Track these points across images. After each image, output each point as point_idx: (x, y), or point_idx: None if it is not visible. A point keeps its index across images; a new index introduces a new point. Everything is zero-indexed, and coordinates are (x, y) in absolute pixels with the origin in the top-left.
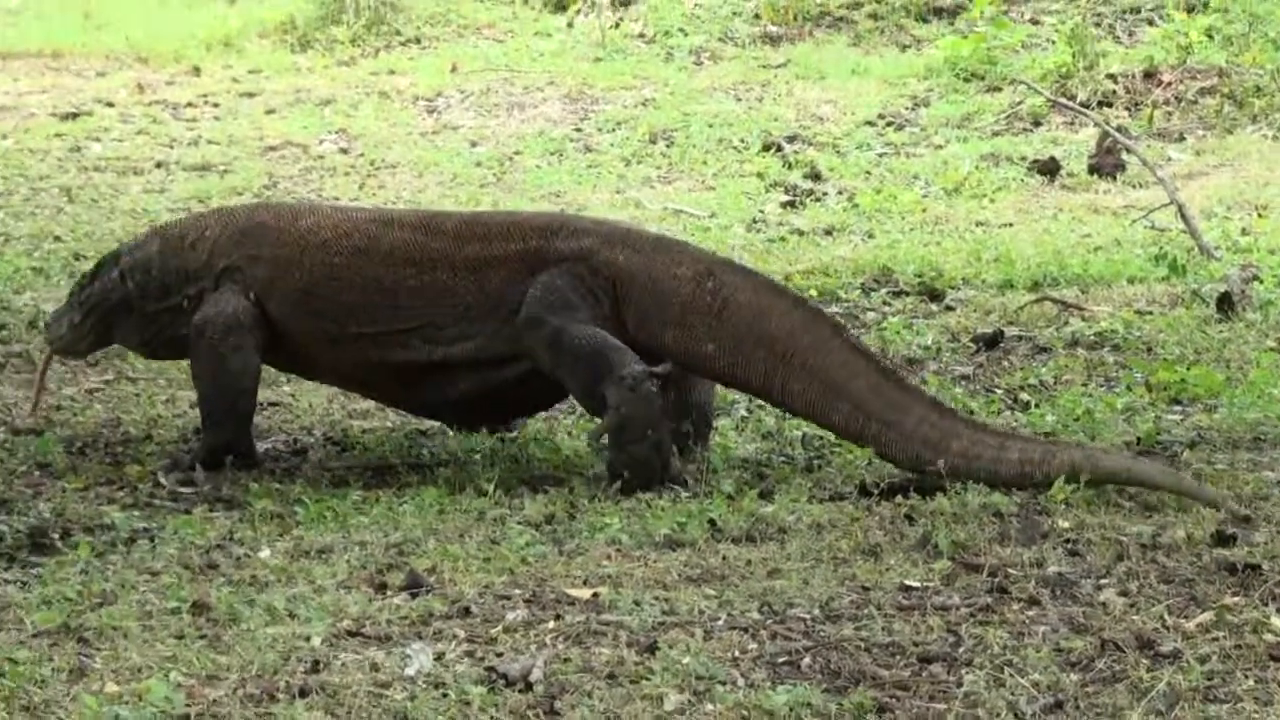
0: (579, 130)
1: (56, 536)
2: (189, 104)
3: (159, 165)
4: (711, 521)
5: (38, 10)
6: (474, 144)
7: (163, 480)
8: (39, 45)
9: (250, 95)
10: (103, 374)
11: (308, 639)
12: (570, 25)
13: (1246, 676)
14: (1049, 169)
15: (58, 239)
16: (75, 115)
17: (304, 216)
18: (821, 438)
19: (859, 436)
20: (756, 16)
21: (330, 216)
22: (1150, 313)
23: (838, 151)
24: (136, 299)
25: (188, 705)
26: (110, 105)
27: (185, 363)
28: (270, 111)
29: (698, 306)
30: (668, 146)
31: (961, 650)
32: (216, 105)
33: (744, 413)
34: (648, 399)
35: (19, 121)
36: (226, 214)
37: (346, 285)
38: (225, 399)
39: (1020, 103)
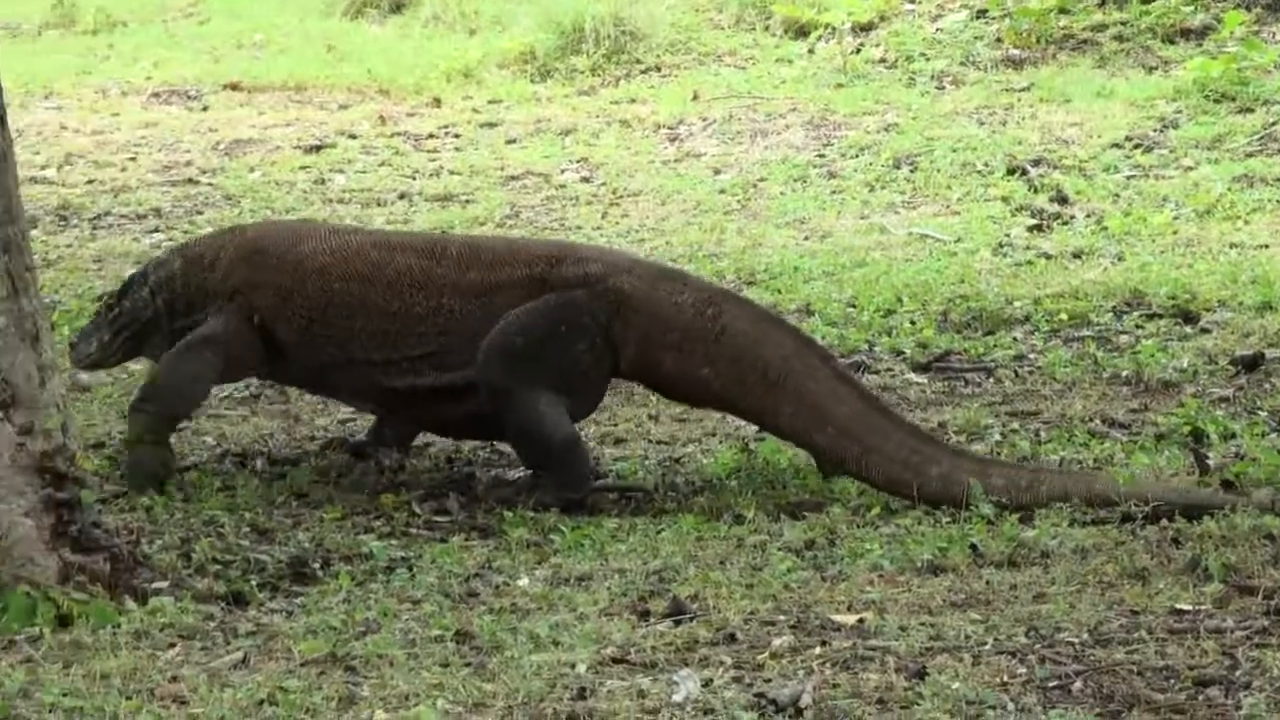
0: (822, 156)
1: (317, 566)
2: (430, 135)
3: (402, 196)
4: (973, 546)
5: (282, 45)
6: (717, 171)
7: (417, 510)
8: (283, 79)
9: (491, 125)
10: None
11: (573, 666)
12: (811, 51)
13: None
14: None
15: None
16: (319, 148)
17: (305, 241)
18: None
19: (841, 460)
20: (999, 40)
21: (328, 241)
22: None
23: (1084, 174)
24: (165, 316)
25: None
26: (353, 137)
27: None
28: (511, 141)
29: (698, 332)
30: (911, 171)
31: (1239, 673)
32: (457, 136)
33: (998, 436)
34: (582, 482)
35: (265, 154)
36: (239, 235)
37: (352, 311)
38: (169, 391)
39: (1275, 124)
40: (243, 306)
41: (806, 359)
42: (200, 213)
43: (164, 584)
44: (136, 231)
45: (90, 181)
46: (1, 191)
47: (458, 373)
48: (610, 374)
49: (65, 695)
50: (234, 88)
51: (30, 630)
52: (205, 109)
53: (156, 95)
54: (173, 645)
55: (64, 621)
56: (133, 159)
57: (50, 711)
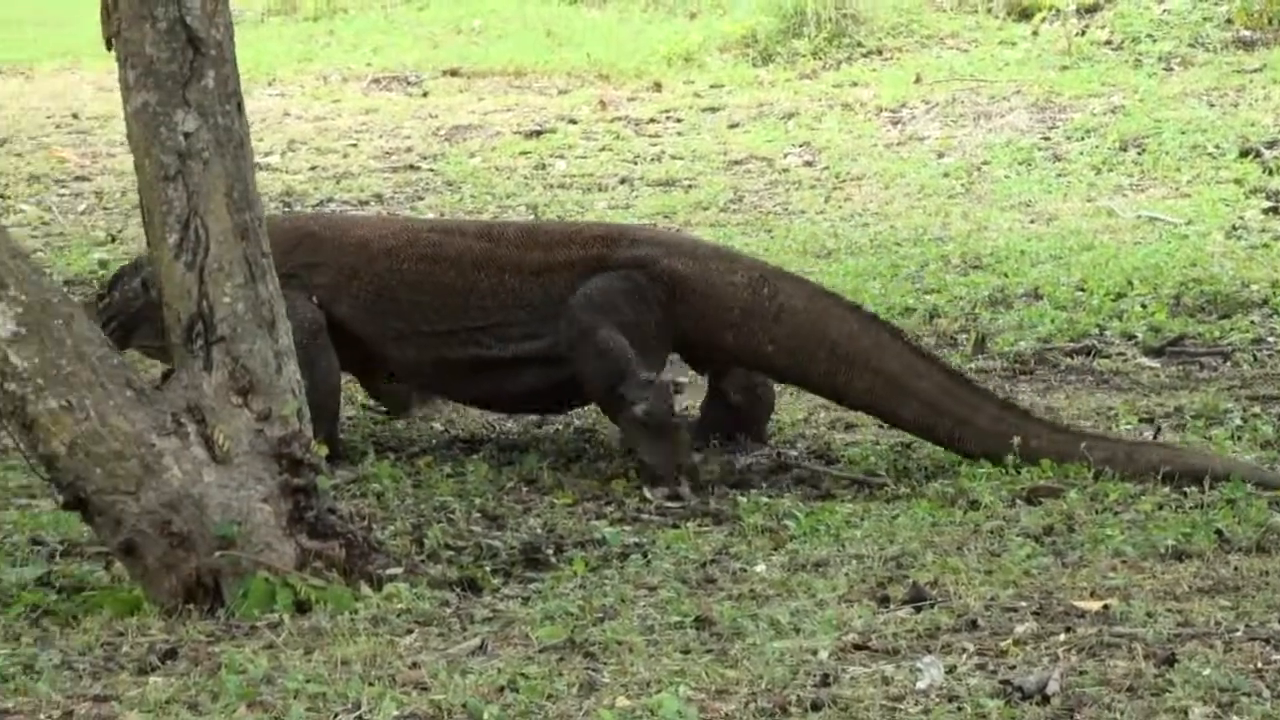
0: (1047, 139)
1: (550, 552)
2: (651, 120)
3: (623, 181)
4: (1219, 532)
5: (500, 30)
6: (940, 155)
7: (648, 495)
8: (502, 64)
9: (712, 110)
10: None
11: (814, 653)
12: (1035, 33)
13: None
14: None
15: None
16: (539, 133)
17: (356, 227)
18: None
19: (930, 432)
20: (1229, 21)
21: (380, 226)
22: None
23: None
24: (158, 306)
25: (701, 719)
26: (573, 122)
27: None
28: (733, 126)
29: (756, 310)
30: (1139, 154)
31: None
32: (679, 120)
33: (1238, 421)
34: (666, 397)
35: (485, 140)
36: (276, 221)
37: (417, 288)
38: (316, 398)
39: None
40: (301, 287)
41: (876, 335)
42: (421, 198)
43: (398, 570)
44: None
45: (313, 168)
46: (238, 178)
47: (517, 345)
48: (669, 350)
49: (308, 681)
50: (453, 73)
51: (270, 616)
52: (425, 95)
53: (377, 81)
54: (410, 631)
55: (302, 607)
56: (354, 145)
57: (294, 697)
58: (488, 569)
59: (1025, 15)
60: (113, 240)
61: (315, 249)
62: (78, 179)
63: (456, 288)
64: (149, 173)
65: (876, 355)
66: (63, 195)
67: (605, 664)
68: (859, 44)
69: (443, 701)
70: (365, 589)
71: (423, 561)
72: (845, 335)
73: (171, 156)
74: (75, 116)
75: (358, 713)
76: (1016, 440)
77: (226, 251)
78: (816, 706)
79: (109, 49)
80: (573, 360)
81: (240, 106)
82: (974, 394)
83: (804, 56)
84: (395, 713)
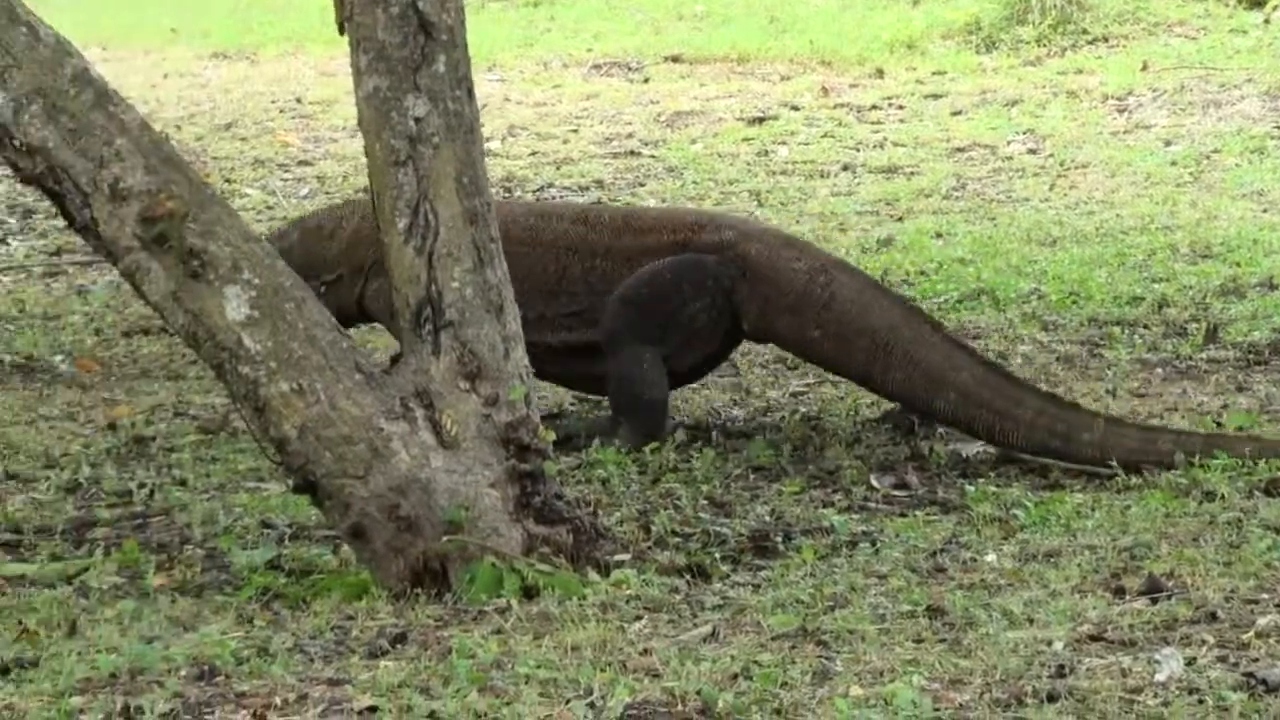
0: None
1: (778, 540)
2: (873, 106)
3: (845, 168)
4: None
5: (723, 15)
6: (1168, 143)
7: (875, 484)
8: (724, 50)
9: (935, 97)
10: (803, 377)
11: (1049, 643)
12: (1267, 21)
13: None
14: None
15: None
16: (761, 119)
17: None
18: None
19: (969, 424)
20: None
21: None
22: None
23: None
24: None
25: (936, 709)
26: (795, 109)
27: None
28: (956, 113)
29: (810, 297)
30: None
31: None
32: (901, 107)
33: None
34: (655, 428)
35: (707, 126)
36: (364, 207)
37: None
38: None
39: None
40: None
41: (916, 327)
42: (642, 184)
43: (626, 556)
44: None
45: (533, 153)
46: (468, 164)
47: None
48: (728, 333)
49: (539, 667)
50: (675, 59)
51: (497, 601)
52: (646, 81)
53: (597, 67)
54: (639, 617)
55: (529, 593)
56: (574, 131)
57: (525, 683)
58: (716, 556)
59: (1257, 3)
60: None
61: None
62: (301, 163)
63: (550, 272)
64: (379, 157)
65: (915, 346)
66: (286, 180)
67: (838, 652)
68: (1084, 31)
69: (675, 688)
70: (592, 575)
71: (649, 548)
72: (886, 325)
73: (402, 141)
74: (298, 101)
75: (589, 699)
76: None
77: (455, 236)
78: (1053, 698)
79: (341, 33)
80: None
81: (470, 92)
82: (1015, 387)
83: (1028, 43)
84: (627, 699)
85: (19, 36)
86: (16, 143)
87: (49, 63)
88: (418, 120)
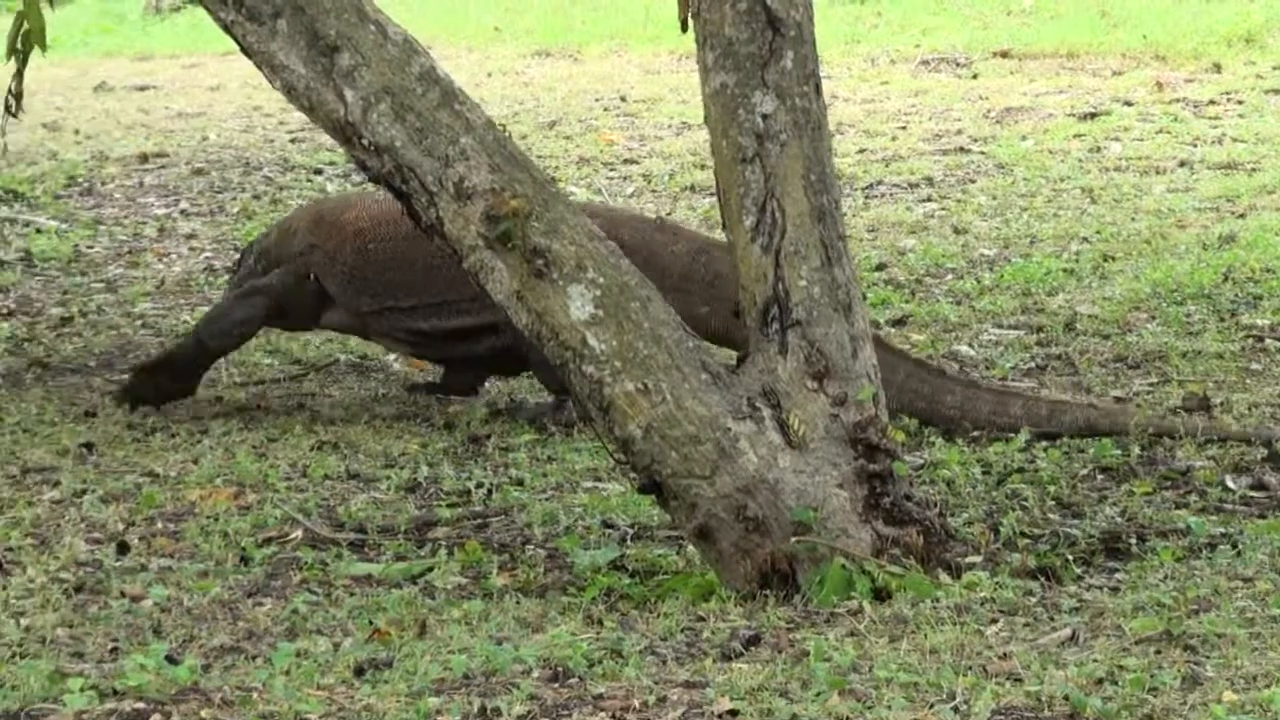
0: None
1: (1131, 541)
2: (1210, 101)
3: (1182, 164)
4: None
5: (1053, 10)
6: None
7: (1230, 484)
8: (1054, 46)
9: (1276, 92)
10: (1146, 376)
11: None
12: None
13: None
14: None
15: (1084, 240)
16: (1093, 115)
17: (347, 209)
18: None
19: None
20: None
21: (372, 209)
22: None
23: None
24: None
25: None
26: (1128, 104)
27: None
28: None
29: (693, 277)
30: None
31: None
32: (1240, 102)
33: None
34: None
35: (1037, 122)
36: (312, 206)
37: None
38: (214, 327)
39: None
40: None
41: None
42: (973, 181)
43: (977, 558)
44: (909, 201)
45: (861, 151)
46: (816, 161)
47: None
48: None
49: (899, 670)
50: (1003, 55)
51: (848, 603)
52: (975, 76)
53: (926, 63)
54: (994, 620)
55: (880, 595)
56: (902, 128)
57: (885, 686)
58: (1068, 558)
59: None
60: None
61: (314, 230)
62: (626, 161)
63: (433, 264)
64: (726, 154)
65: None
66: (611, 178)
67: (1207, 657)
68: None
69: (1040, 693)
70: (943, 577)
71: (999, 550)
72: None
73: (749, 138)
74: (622, 99)
75: (953, 703)
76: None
77: (803, 234)
78: None
79: (684, 31)
80: None
81: (818, 88)
82: (889, 353)
83: None
84: (993, 704)
85: (368, 35)
86: (364, 141)
87: (397, 61)
88: (765, 117)
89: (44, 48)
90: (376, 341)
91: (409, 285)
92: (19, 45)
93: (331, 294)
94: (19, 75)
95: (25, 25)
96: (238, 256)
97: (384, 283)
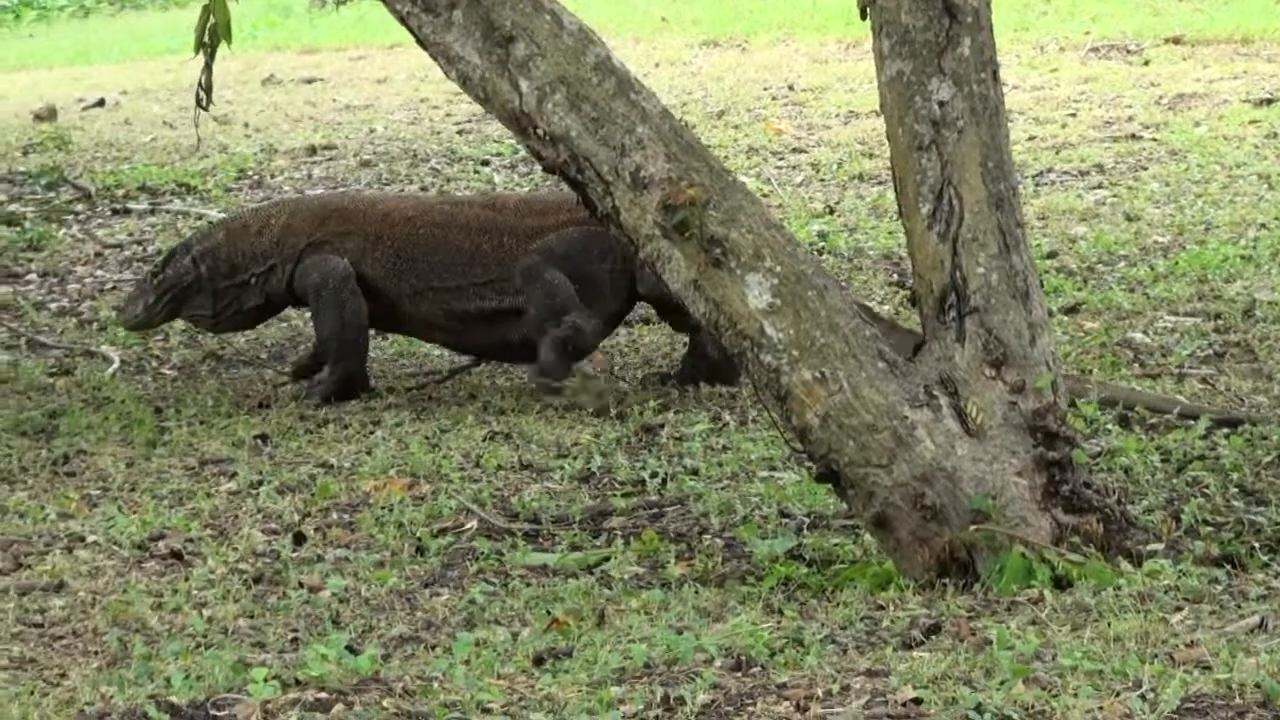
0: None
1: None
2: None
3: None
4: None
5: None
6: None
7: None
8: (1228, 31)
9: None
10: None
11: None
12: None
13: None
14: None
15: (1262, 226)
16: (1269, 101)
17: (379, 202)
18: None
19: None
20: None
21: (399, 201)
22: None
23: None
24: (206, 280)
25: None
26: None
27: None
28: None
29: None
30: None
31: None
32: None
33: None
34: (596, 333)
35: (1210, 109)
36: (292, 204)
37: (431, 250)
38: (349, 336)
39: None
40: (334, 253)
41: None
42: (1144, 168)
43: (1158, 546)
44: (1080, 188)
45: (1030, 138)
46: (993, 148)
47: (516, 297)
48: (627, 297)
49: (1084, 658)
50: (1175, 41)
51: (1029, 591)
52: (1145, 63)
53: (1095, 50)
54: (1179, 608)
55: (1060, 583)
56: (1072, 115)
57: (1070, 674)
58: (1254, 545)
59: None
60: (830, 212)
61: (345, 220)
62: (794, 151)
63: (464, 249)
64: (902, 142)
65: None
66: (780, 167)
67: None
68: None
69: (1230, 680)
70: (1124, 565)
71: (1181, 537)
72: None
73: (925, 125)
74: (790, 88)
75: (1139, 691)
76: None
77: (980, 222)
78: None
79: (863, 18)
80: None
81: (996, 74)
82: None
83: None
84: (1182, 693)
85: (543, 25)
86: (539, 131)
87: (572, 51)
88: (942, 104)
89: (230, 41)
90: (406, 331)
91: (453, 266)
92: (206, 39)
93: (369, 278)
94: (208, 68)
95: (211, 19)
96: (161, 257)
97: (431, 264)
